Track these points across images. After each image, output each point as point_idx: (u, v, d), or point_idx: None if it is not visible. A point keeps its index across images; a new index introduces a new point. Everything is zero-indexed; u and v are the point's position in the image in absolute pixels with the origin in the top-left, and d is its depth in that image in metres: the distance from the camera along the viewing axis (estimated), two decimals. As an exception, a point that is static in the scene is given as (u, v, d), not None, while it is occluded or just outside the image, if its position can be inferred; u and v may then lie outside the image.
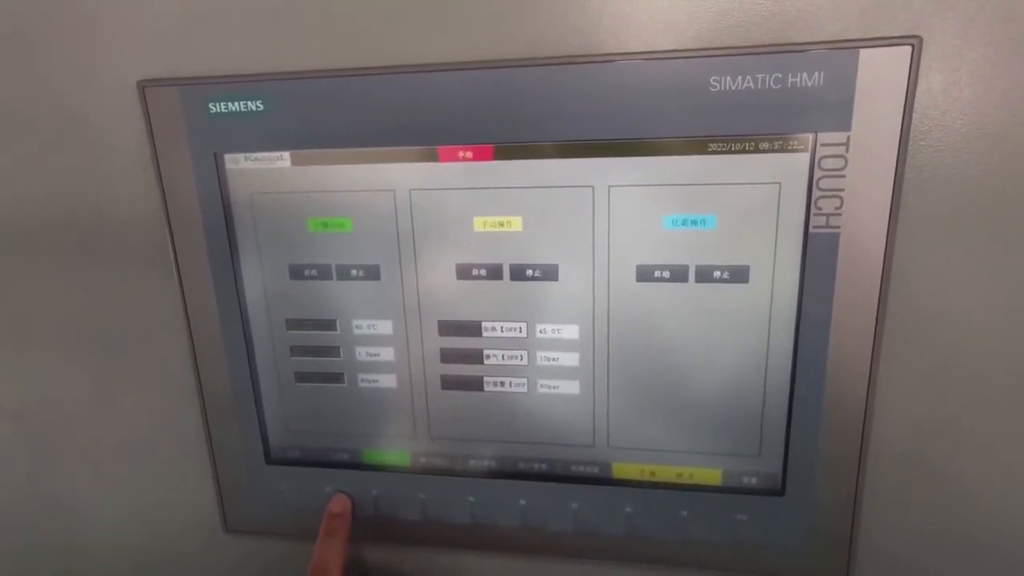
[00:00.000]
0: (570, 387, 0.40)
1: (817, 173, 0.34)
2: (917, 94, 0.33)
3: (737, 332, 0.38)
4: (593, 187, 0.36)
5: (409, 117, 0.37)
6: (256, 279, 0.42)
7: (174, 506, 0.50)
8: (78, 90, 0.40)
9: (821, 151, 0.34)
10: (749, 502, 0.40)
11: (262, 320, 0.43)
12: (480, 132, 0.36)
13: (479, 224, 0.38)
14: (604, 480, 0.42)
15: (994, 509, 0.39)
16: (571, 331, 0.39)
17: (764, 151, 0.34)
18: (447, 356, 0.41)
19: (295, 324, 0.42)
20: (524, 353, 0.40)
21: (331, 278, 0.41)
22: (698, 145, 0.35)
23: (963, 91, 0.33)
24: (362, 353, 0.42)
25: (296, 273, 0.41)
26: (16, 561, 0.55)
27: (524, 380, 0.41)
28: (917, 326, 0.36)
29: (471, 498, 0.44)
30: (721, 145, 0.35)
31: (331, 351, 0.42)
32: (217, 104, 0.38)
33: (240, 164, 0.40)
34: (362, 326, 0.42)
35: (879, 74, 0.32)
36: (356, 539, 0.45)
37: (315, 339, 0.42)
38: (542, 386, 0.41)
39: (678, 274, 0.37)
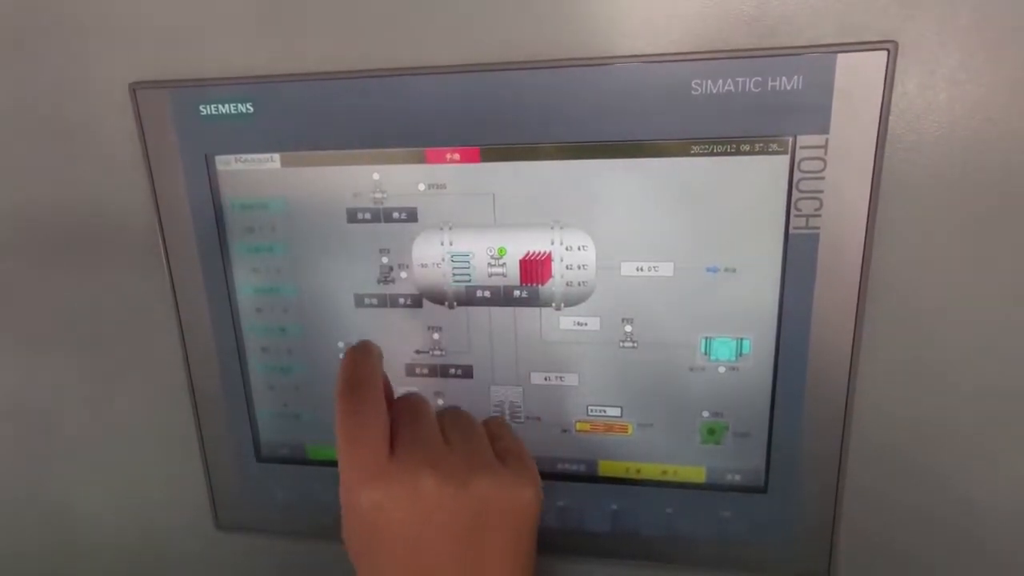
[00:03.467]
0: (571, 379, 0.41)
1: (797, 175, 0.35)
2: (893, 98, 0.33)
3: (719, 331, 0.38)
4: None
5: (397, 119, 0.37)
6: (247, 279, 0.42)
7: (165, 503, 0.50)
8: (69, 92, 0.41)
9: (800, 153, 0.34)
10: (733, 499, 0.41)
11: (253, 319, 0.43)
12: (467, 135, 0.37)
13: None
14: (590, 477, 0.43)
15: (974, 503, 0.39)
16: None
17: (745, 153, 0.35)
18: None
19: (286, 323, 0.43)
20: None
21: (321, 278, 0.41)
22: (681, 147, 0.36)
23: (939, 95, 0.33)
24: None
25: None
26: (6, 558, 0.55)
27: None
28: (896, 325, 0.37)
29: (459, 495, 0.44)
30: (703, 147, 0.35)
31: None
32: (208, 106, 0.39)
33: (231, 165, 0.40)
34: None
35: (856, 78, 0.33)
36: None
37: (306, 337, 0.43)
38: (542, 377, 0.42)
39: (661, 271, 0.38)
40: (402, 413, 0.31)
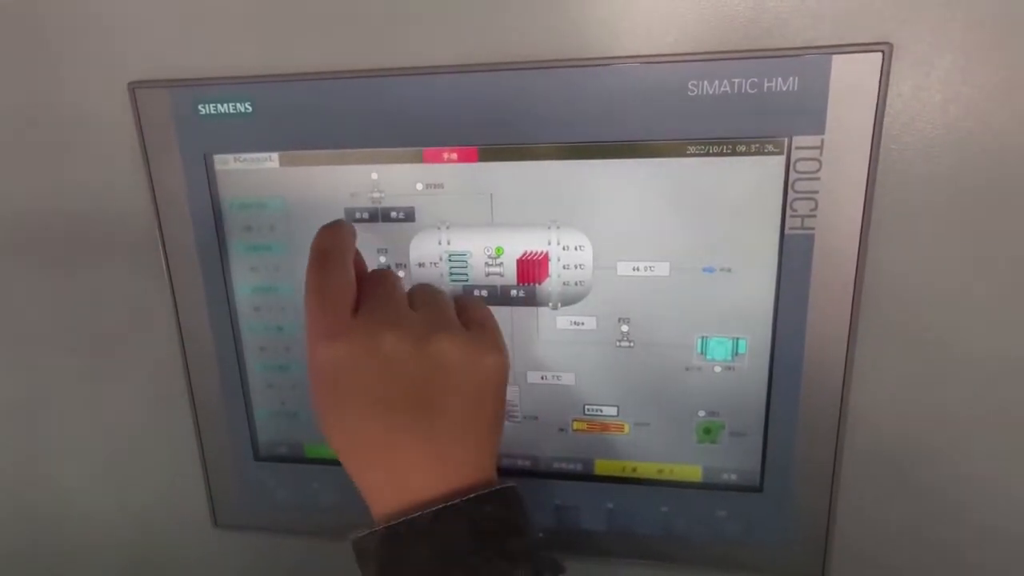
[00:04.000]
0: (568, 379, 0.41)
1: (792, 176, 0.35)
2: (888, 99, 0.33)
3: (715, 331, 0.38)
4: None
5: (395, 119, 0.37)
6: (245, 278, 0.42)
7: (164, 502, 0.50)
8: (69, 92, 0.41)
9: (796, 154, 0.35)
10: (729, 498, 0.41)
11: (251, 318, 0.43)
12: (465, 134, 0.37)
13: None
14: (586, 476, 0.43)
15: (966, 504, 0.40)
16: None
17: (741, 154, 0.35)
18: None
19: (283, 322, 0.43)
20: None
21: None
22: (677, 148, 0.36)
23: (933, 96, 0.33)
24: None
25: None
26: (5, 558, 0.56)
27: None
28: (890, 324, 0.37)
29: (456, 494, 0.44)
30: (700, 148, 0.36)
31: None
32: (207, 106, 0.39)
33: (229, 165, 0.40)
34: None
35: (851, 79, 0.33)
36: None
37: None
38: (538, 376, 0.42)
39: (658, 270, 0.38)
40: (371, 284, 0.31)
